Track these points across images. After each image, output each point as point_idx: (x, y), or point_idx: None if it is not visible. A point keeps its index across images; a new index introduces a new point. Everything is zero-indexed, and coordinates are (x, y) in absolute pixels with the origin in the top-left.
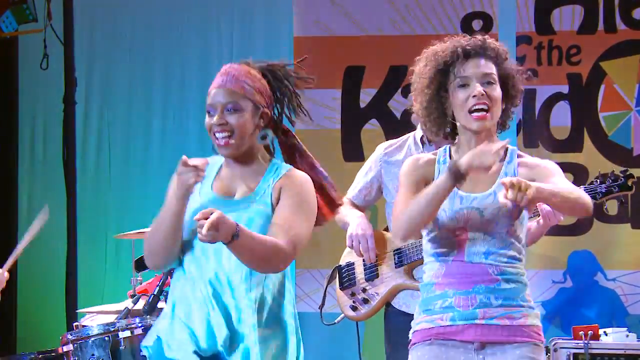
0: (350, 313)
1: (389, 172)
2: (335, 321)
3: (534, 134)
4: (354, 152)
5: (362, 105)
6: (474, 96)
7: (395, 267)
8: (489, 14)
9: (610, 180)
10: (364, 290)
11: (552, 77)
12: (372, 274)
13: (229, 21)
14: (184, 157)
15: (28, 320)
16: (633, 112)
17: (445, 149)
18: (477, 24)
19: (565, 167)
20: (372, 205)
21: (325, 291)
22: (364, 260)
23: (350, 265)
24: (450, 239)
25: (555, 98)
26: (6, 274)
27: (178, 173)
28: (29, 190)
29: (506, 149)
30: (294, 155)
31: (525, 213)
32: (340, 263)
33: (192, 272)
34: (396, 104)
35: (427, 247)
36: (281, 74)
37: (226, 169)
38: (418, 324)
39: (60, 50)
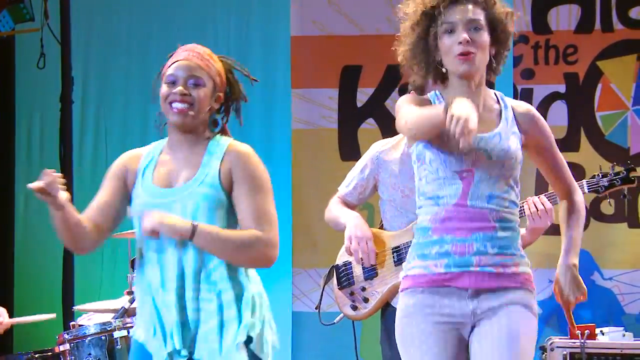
0: (351, 312)
1: (386, 169)
2: (335, 321)
3: None
4: (351, 152)
5: (359, 104)
6: (460, 43)
7: (395, 266)
8: None
9: (613, 174)
10: (364, 289)
11: (549, 77)
12: (371, 272)
13: (226, 21)
14: (46, 170)
15: (29, 326)
16: (630, 111)
17: (435, 92)
18: None
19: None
20: (366, 203)
21: (322, 291)
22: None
23: (348, 264)
24: (455, 181)
25: (552, 97)
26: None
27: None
28: (26, 190)
29: (496, 94)
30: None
31: (519, 162)
32: (337, 262)
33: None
34: (393, 104)
35: (426, 188)
36: (233, 72)
37: (167, 154)
38: (411, 268)
39: (57, 50)
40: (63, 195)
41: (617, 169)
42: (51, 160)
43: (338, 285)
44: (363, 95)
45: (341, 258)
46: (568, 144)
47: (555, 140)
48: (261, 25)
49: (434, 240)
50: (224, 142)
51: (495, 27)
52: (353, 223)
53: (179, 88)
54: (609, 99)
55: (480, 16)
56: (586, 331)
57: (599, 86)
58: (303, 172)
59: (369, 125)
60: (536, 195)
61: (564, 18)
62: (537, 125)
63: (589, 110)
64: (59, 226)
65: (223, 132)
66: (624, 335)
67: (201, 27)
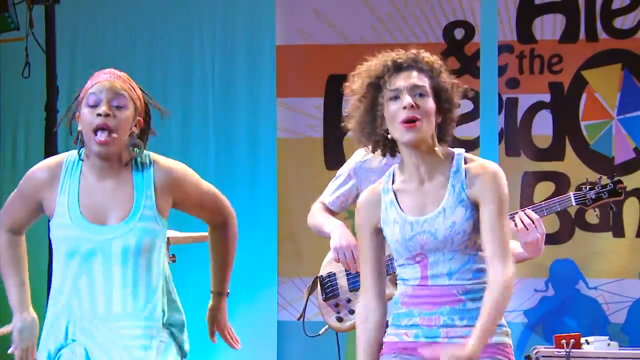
0: (336, 324)
1: (368, 179)
2: (320, 332)
3: (516, 142)
4: (336, 161)
5: (345, 114)
6: (404, 108)
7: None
8: (470, 23)
9: (600, 187)
10: (349, 300)
11: (534, 86)
12: (356, 283)
13: (211, 29)
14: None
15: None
16: (614, 121)
17: (389, 172)
18: (459, 33)
19: (547, 175)
20: (350, 211)
21: (306, 303)
22: (346, 270)
23: (332, 275)
24: (411, 266)
25: (537, 107)
26: None
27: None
28: None
29: (452, 156)
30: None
31: (478, 220)
32: (321, 273)
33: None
34: None
35: (397, 270)
36: (148, 101)
37: (89, 179)
38: (387, 335)
39: (42, 59)
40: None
41: (604, 181)
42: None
43: (323, 297)
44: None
45: (325, 269)
46: (553, 153)
47: (540, 149)
48: (246, 34)
49: (404, 313)
50: (147, 163)
51: (440, 95)
52: (338, 233)
53: (103, 109)
54: (594, 108)
55: (425, 83)
56: (571, 340)
57: (584, 95)
58: (288, 181)
59: None
60: (521, 207)
61: (548, 27)
62: (481, 185)
63: (573, 119)
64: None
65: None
66: (609, 345)
67: (186, 35)
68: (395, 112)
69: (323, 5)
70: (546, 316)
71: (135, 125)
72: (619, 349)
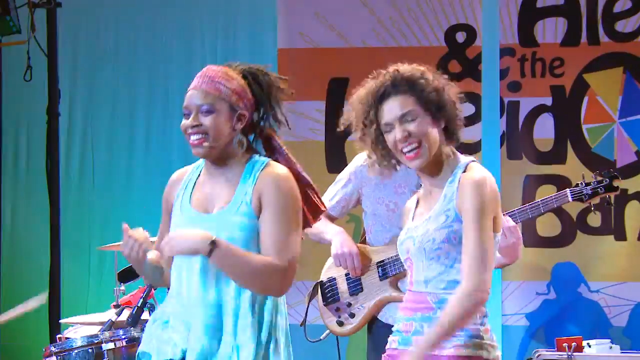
0: (337, 329)
1: (369, 183)
2: (321, 337)
3: (518, 145)
4: (338, 164)
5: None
6: (399, 140)
7: (380, 280)
8: (472, 26)
9: (596, 182)
10: (349, 305)
11: (536, 89)
12: (356, 288)
13: (213, 32)
14: (125, 225)
15: (11, 333)
16: (616, 124)
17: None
18: (461, 36)
19: (549, 178)
20: (352, 215)
21: (307, 308)
22: (346, 275)
23: (332, 280)
24: (404, 269)
25: (539, 110)
26: None
27: (122, 245)
28: (13, 201)
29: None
30: (276, 160)
31: (459, 231)
32: (322, 278)
33: (175, 289)
34: None
35: None
36: (262, 79)
37: (205, 175)
38: (389, 341)
39: (43, 62)
40: (153, 255)
41: (601, 177)
42: (37, 172)
43: (323, 301)
44: (348, 108)
45: (326, 274)
46: (555, 156)
47: (542, 152)
48: (248, 37)
49: (397, 318)
50: (259, 165)
51: (430, 106)
52: (339, 239)
53: (190, 120)
54: (596, 111)
55: (410, 105)
56: (573, 344)
57: (586, 99)
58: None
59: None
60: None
61: (550, 31)
62: (462, 195)
63: (575, 122)
64: (148, 276)
65: (269, 149)
66: (610, 348)
67: (188, 40)
68: (393, 143)
69: (324, 9)
70: (548, 319)
71: (239, 120)
72: (621, 353)
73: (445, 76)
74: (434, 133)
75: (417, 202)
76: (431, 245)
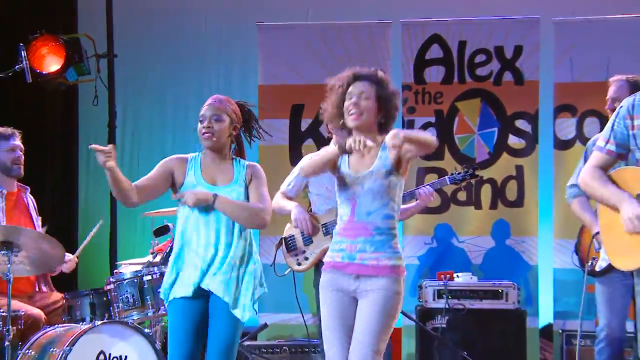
0: (296, 267)
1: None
2: (285, 273)
3: None
4: (297, 161)
5: (303, 129)
6: (351, 104)
7: (324, 235)
8: (384, 70)
9: (464, 172)
10: (304, 252)
11: (425, 112)
12: (308, 241)
13: (217, 74)
14: (93, 145)
15: (85, 269)
16: (476, 134)
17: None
18: None
19: (433, 169)
20: (305, 194)
21: (275, 254)
22: (301, 233)
23: (292, 236)
24: (346, 205)
25: (426, 125)
26: (76, 259)
27: (98, 156)
28: (86, 184)
29: (383, 141)
30: (241, 156)
31: (397, 183)
32: (285, 235)
33: (192, 236)
34: (323, 128)
35: (338, 210)
36: (245, 110)
37: (205, 162)
38: (328, 256)
39: (105, 93)
40: (112, 164)
41: (466, 169)
42: (102, 167)
43: (286, 250)
44: (305, 124)
45: (287, 232)
46: (436, 155)
47: (430, 154)
48: (240, 77)
49: (337, 241)
50: (243, 162)
51: (381, 98)
52: (296, 210)
53: (205, 123)
54: (463, 126)
55: (370, 91)
56: (447, 275)
57: (457, 119)
58: (267, 175)
59: (309, 143)
60: (417, 185)
61: (434, 74)
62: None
63: (450, 133)
64: (110, 183)
65: (240, 153)
66: (471, 278)
67: (200, 80)
68: (347, 106)
69: (290, 58)
70: (432, 260)
71: (233, 129)
72: (478, 281)
73: (399, 93)
74: (372, 116)
75: (348, 158)
76: (381, 189)
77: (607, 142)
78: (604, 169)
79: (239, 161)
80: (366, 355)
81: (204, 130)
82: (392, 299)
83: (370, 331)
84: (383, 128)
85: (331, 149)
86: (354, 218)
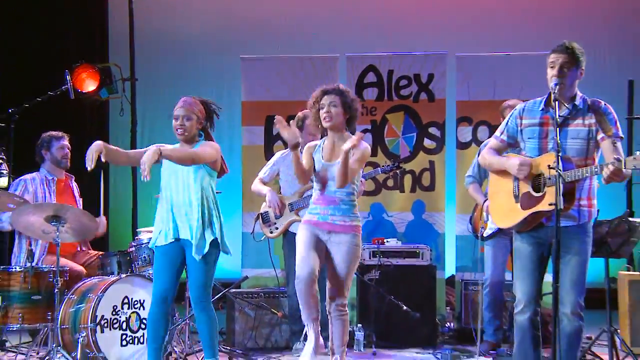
0: (269, 235)
1: (284, 164)
2: (262, 239)
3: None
4: (269, 156)
5: (274, 134)
6: (324, 112)
7: (290, 212)
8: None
9: (392, 165)
10: (275, 224)
11: (363, 122)
12: (278, 216)
13: (212, 92)
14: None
15: (114, 235)
16: (400, 138)
17: (323, 140)
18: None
19: (369, 163)
20: (276, 181)
21: (254, 225)
22: (274, 211)
23: (266, 212)
24: (321, 183)
25: (365, 131)
26: (104, 220)
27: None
28: (115, 173)
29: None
30: (210, 139)
31: (354, 170)
32: (261, 211)
33: (167, 195)
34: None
35: (314, 185)
36: (209, 107)
37: (180, 145)
38: (306, 217)
39: (129, 107)
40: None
41: (393, 163)
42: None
43: (262, 222)
44: (275, 130)
45: (263, 209)
46: (373, 153)
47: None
48: (227, 95)
49: (314, 207)
50: (202, 142)
51: (345, 106)
52: (270, 193)
53: (178, 122)
54: (391, 132)
55: (336, 99)
56: (379, 241)
57: (386, 126)
58: (248, 167)
59: (278, 144)
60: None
61: (370, 93)
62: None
63: (382, 138)
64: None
65: (208, 137)
66: (397, 242)
67: (198, 93)
68: (321, 114)
69: (265, 81)
70: (369, 230)
71: (199, 123)
72: (402, 245)
73: (358, 99)
74: (340, 118)
75: (322, 148)
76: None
77: (501, 134)
78: (497, 151)
79: (198, 142)
80: (342, 290)
81: (178, 128)
82: (356, 249)
83: (344, 274)
84: (350, 125)
85: (306, 154)
86: (325, 192)
